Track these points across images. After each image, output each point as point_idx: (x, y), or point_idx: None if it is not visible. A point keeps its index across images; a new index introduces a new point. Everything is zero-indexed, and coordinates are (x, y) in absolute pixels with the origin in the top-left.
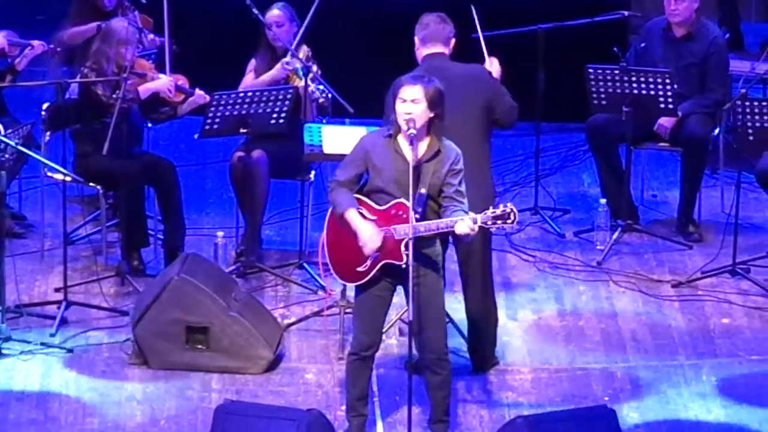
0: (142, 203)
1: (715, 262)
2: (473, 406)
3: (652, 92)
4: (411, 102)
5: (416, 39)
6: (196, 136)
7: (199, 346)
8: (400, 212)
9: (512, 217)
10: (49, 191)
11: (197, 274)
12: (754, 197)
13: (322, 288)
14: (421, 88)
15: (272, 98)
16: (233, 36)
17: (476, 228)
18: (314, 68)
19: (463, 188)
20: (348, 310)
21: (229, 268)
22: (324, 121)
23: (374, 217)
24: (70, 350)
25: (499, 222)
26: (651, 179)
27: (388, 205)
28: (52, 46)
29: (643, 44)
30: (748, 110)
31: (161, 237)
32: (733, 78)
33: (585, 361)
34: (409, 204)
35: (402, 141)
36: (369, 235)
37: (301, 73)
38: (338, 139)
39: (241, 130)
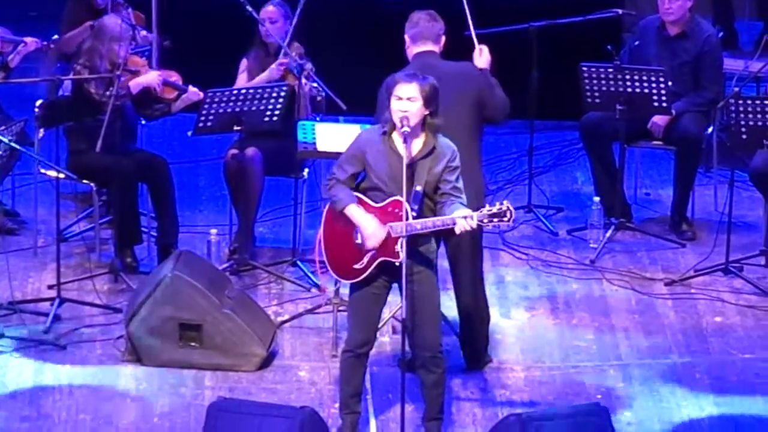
0: (136, 200)
1: (708, 261)
2: (466, 403)
3: (646, 90)
4: (407, 100)
5: (406, 37)
6: (189, 133)
7: (192, 344)
8: (397, 210)
9: (509, 214)
10: (42, 188)
11: (190, 271)
12: (748, 196)
13: (316, 286)
14: (416, 86)
15: (266, 96)
16: (227, 33)
17: (474, 225)
18: (308, 65)
19: (460, 184)
20: (341, 308)
21: (222, 266)
22: (317, 118)
23: (371, 215)
24: (63, 347)
25: (495, 220)
26: (644, 177)
27: (384, 203)
28: (45, 43)
29: (637, 42)
30: (741, 109)
31: (155, 234)
32: (727, 76)
33: (578, 359)
34: (405, 202)
35: (397, 138)
36: (372, 229)
37: (295, 70)
38: (332, 136)
39: (235, 128)
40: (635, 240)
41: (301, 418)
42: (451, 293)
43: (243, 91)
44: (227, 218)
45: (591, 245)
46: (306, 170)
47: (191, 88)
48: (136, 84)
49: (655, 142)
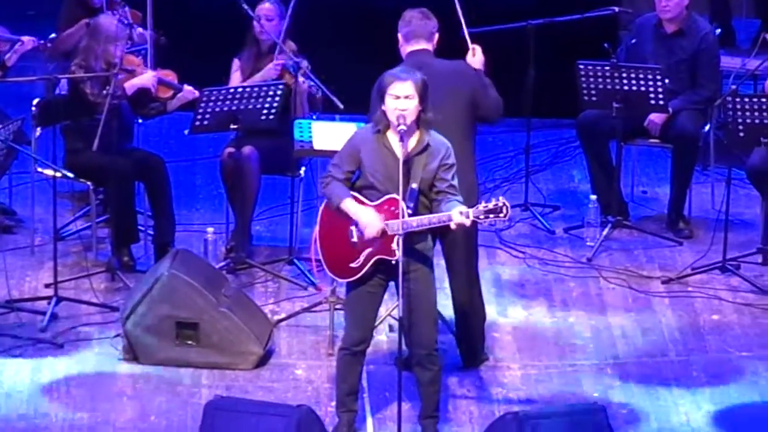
0: (133, 199)
1: (705, 259)
2: (463, 401)
3: (643, 88)
4: (404, 98)
5: (399, 36)
6: (186, 132)
7: (189, 342)
8: (392, 208)
9: (504, 210)
10: (39, 187)
11: (187, 269)
12: (745, 194)
13: (312, 284)
14: (412, 84)
15: (262, 94)
16: (221, 31)
17: (469, 222)
18: (305, 63)
19: (456, 182)
20: (338, 306)
21: (219, 264)
22: (314, 117)
23: (370, 208)
24: (60, 345)
25: (491, 216)
26: (641, 175)
27: (379, 201)
28: (42, 42)
29: (633, 40)
30: (738, 106)
31: (151, 233)
32: (724, 74)
33: (575, 358)
34: (401, 199)
35: (391, 136)
36: (370, 219)
37: (291, 68)
38: (328, 135)
39: (232, 126)
40: (632, 238)
41: (298, 417)
42: (448, 291)
43: (240, 89)
44: (224, 217)
45: (588, 243)
46: (302, 169)
47: (186, 87)
48: (131, 85)
49: (652, 140)
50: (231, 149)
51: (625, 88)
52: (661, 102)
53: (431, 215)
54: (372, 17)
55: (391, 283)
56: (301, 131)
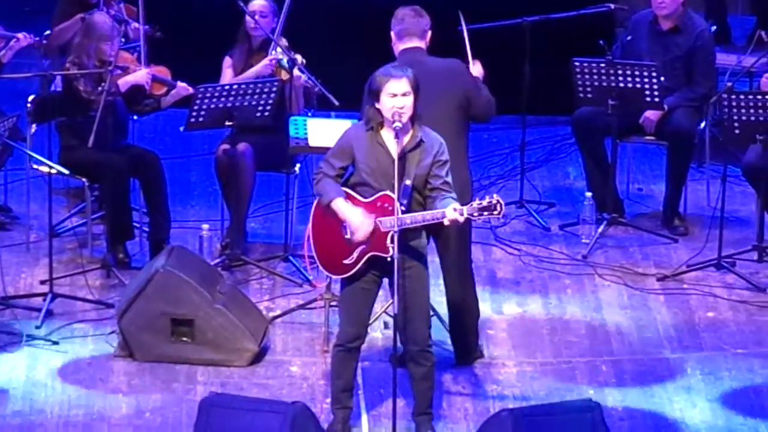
0: (128, 196)
1: (700, 256)
2: (458, 398)
3: (638, 85)
4: (401, 95)
5: (392, 33)
6: (181, 128)
7: (185, 339)
8: (386, 204)
9: (498, 208)
10: (34, 183)
11: (182, 266)
12: (740, 191)
13: (308, 281)
14: (407, 80)
15: (258, 91)
16: (216, 28)
17: (462, 219)
18: (299, 59)
19: (450, 179)
20: (333, 303)
21: (214, 261)
22: (309, 114)
23: (360, 209)
24: (55, 342)
25: (485, 213)
26: (637, 173)
27: (373, 198)
28: (38, 39)
29: (629, 37)
30: (734, 104)
31: (147, 229)
32: (720, 71)
33: (570, 355)
34: (395, 196)
35: (384, 133)
36: (359, 221)
37: (286, 64)
38: (323, 132)
39: (227, 123)
40: (627, 235)
41: (293, 413)
42: (442, 288)
43: (235, 86)
44: (219, 214)
45: (583, 240)
46: (297, 165)
47: (180, 84)
48: (124, 83)
49: (648, 137)
50: (226, 146)
51: (621, 85)
52: (657, 99)
53: (425, 212)
54: (366, 14)
55: (385, 280)
56: (297, 128)
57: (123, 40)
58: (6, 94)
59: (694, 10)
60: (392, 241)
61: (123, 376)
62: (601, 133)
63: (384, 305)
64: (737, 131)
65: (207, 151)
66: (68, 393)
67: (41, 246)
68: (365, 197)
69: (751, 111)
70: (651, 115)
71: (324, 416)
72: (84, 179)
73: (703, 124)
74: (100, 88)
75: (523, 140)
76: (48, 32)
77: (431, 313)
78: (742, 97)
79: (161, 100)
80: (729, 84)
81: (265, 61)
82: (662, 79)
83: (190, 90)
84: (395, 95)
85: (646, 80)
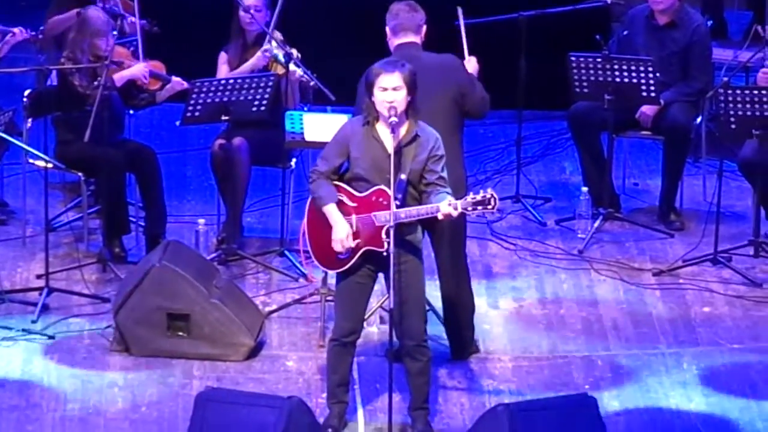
0: (124, 190)
1: (696, 251)
2: (454, 393)
3: (635, 80)
4: (392, 90)
5: (387, 29)
6: (177, 123)
7: (180, 333)
8: (381, 199)
9: (492, 202)
10: (30, 178)
11: (178, 261)
12: (736, 186)
13: (303, 275)
14: (399, 75)
15: (254, 85)
16: (211, 22)
17: (457, 213)
18: (295, 53)
19: (445, 174)
20: (329, 298)
21: (210, 256)
22: (305, 108)
23: (355, 204)
24: (51, 337)
25: (479, 208)
26: (633, 167)
27: (368, 192)
28: (34, 33)
29: (625, 32)
30: (730, 98)
31: (143, 224)
32: (716, 66)
33: (566, 350)
34: (390, 191)
35: (380, 128)
36: (342, 236)
37: (282, 59)
38: (319, 126)
39: (223, 118)
40: (623, 230)
41: (289, 408)
42: (438, 283)
43: (231, 80)
44: (215, 208)
45: (579, 235)
46: (293, 160)
47: (175, 78)
48: (120, 77)
49: (644, 132)
50: (222, 140)
51: (617, 79)
52: (653, 94)
53: (420, 206)
54: (362, 9)
55: (381, 275)
56: (293, 122)
57: (115, 33)
58: (2, 89)
59: (690, 5)
60: (387, 236)
61: (119, 371)
62: (597, 127)
63: (380, 300)
64: (733, 126)
65: (203, 145)
66: (64, 388)
67: (37, 240)
68: (361, 192)
69: (748, 106)
70: (647, 110)
71: (320, 411)
72: (80, 174)
73: (699, 119)
74: (95, 83)
75: (519, 135)
76: (43, 28)
77: (427, 307)
78: (738, 92)
79: (156, 95)
80: (725, 79)
81: (259, 54)
82: (658, 74)
83: (185, 84)
84: (386, 89)
85: (642, 75)
